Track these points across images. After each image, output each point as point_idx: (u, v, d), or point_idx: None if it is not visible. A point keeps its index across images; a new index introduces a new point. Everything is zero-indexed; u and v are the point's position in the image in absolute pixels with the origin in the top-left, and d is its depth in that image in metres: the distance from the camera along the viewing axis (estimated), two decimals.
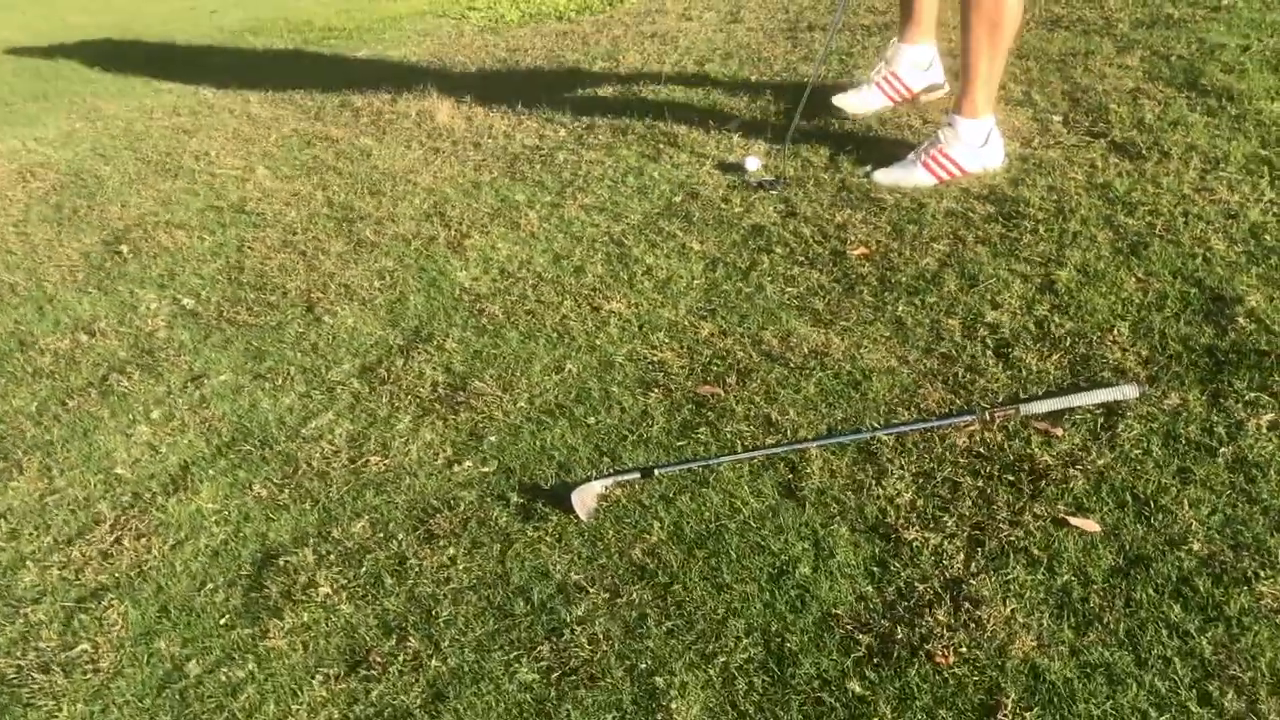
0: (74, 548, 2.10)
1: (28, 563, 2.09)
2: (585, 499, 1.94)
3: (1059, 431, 1.86)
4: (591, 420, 2.15)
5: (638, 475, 1.97)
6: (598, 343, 2.39)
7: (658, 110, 3.44)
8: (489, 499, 2.01)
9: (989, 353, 2.09)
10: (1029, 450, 1.84)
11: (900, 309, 2.27)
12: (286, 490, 2.13)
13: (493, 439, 2.16)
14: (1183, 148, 2.57)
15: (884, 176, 2.86)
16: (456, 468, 2.11)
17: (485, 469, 2.09)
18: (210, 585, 1.93)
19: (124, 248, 3.31)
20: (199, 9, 7.20)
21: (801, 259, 2.52)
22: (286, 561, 1.94)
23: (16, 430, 2.52)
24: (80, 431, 2.47)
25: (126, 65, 5.54)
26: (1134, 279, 2.19)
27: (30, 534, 2.17)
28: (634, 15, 4.57)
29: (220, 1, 7.44)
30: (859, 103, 3.10)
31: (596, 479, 1.98)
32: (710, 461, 1.97)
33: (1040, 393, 1.97)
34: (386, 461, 2.16)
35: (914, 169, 2.81)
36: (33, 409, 2.60)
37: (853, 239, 2.54)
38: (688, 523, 1.85)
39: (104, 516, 2.18)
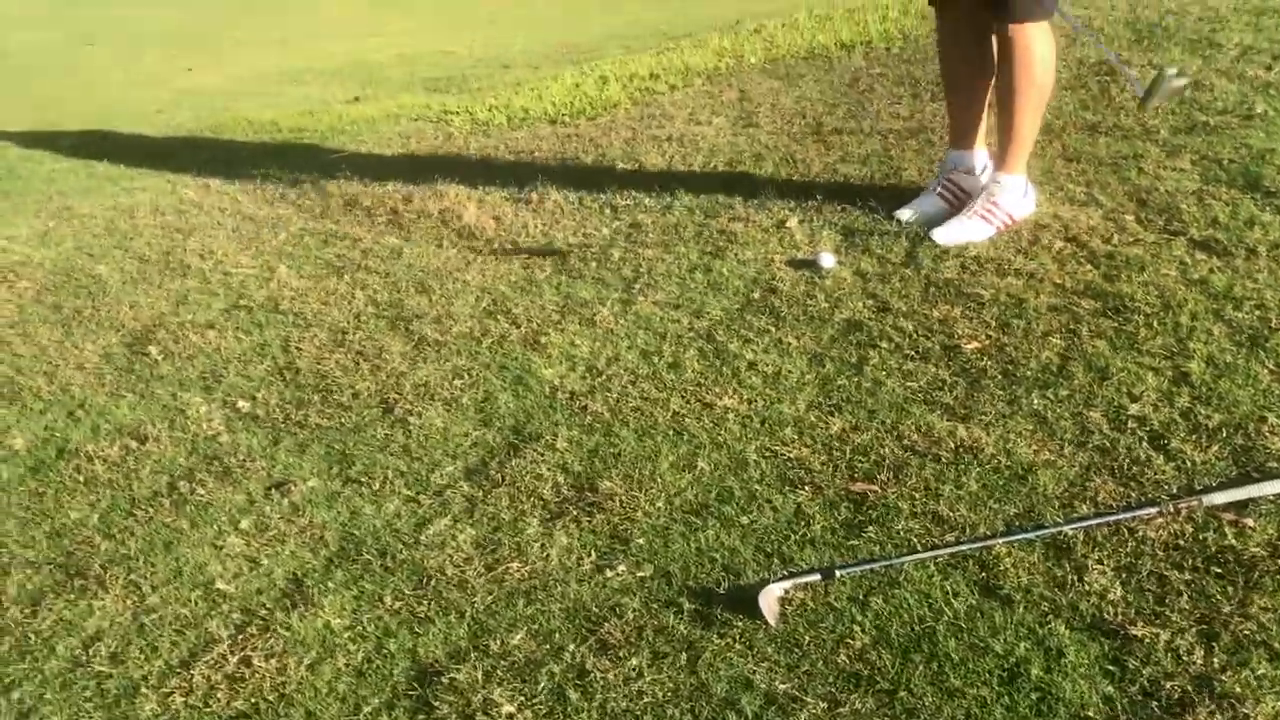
0: (194, 671, 1.91)
1: (143, 689, 1.89)
2: (769, 602, 1.85)
3: (1250, 522, 1.86)
4: (745, 520, 2.07)
5: (818, 576, 1.89)
6: (721, 439, 2.32)
7: (705, 209, 3.44)
8: (656, 605, 1.90)
9: (1144, 444, 2.09)
10: (1227, 541, 1.83)
11: (1035, 403, 2.27)
12: (424, 602, 1.99)
13: (640, 541, 2.06)
14: (1268, 245, 2.67)
15: (944, 236, 2.96)
16: (609, 573, 2.00)
17: (641, 573, 1.99)
18: (367, 708, 1.78)
19: (152, 349, 3.13)
20: (133, 107, 7.00)
21: (912, 354, 2.51)
22: (452, 679, 1.80)
23: (85, 544, 2.32)
24: (161, 544, 2.28)
25: (88, 162, 5.33)
26: (1266, 371, 2.24)
27: (137, 657, 1.97)
28: (635, 120, 4.59)
29: (163, 101, 7.27)
30: (920, 212, 3.15)
31: (774, 582, 1.89)
32: (893, 561, 1.91)
33: (1214, 484, 1.97)
34: (527, 568, 2.04)
35: (971, 223, 2.96)
36: (95, 520, 2.40)
37: (960, 333, 2.55)
38: (891, 625, 1.78)
39: (218, 636, 1.99)
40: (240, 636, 1.98)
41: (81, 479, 2.55)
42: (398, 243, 3.64)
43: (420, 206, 3.91)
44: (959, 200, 3.12)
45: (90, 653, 2.00)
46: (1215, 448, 2.05)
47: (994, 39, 2.98)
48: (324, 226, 3.90)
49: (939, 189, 3.17)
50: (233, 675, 1.89)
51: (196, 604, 2.09)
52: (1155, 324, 2.44)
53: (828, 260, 2.91)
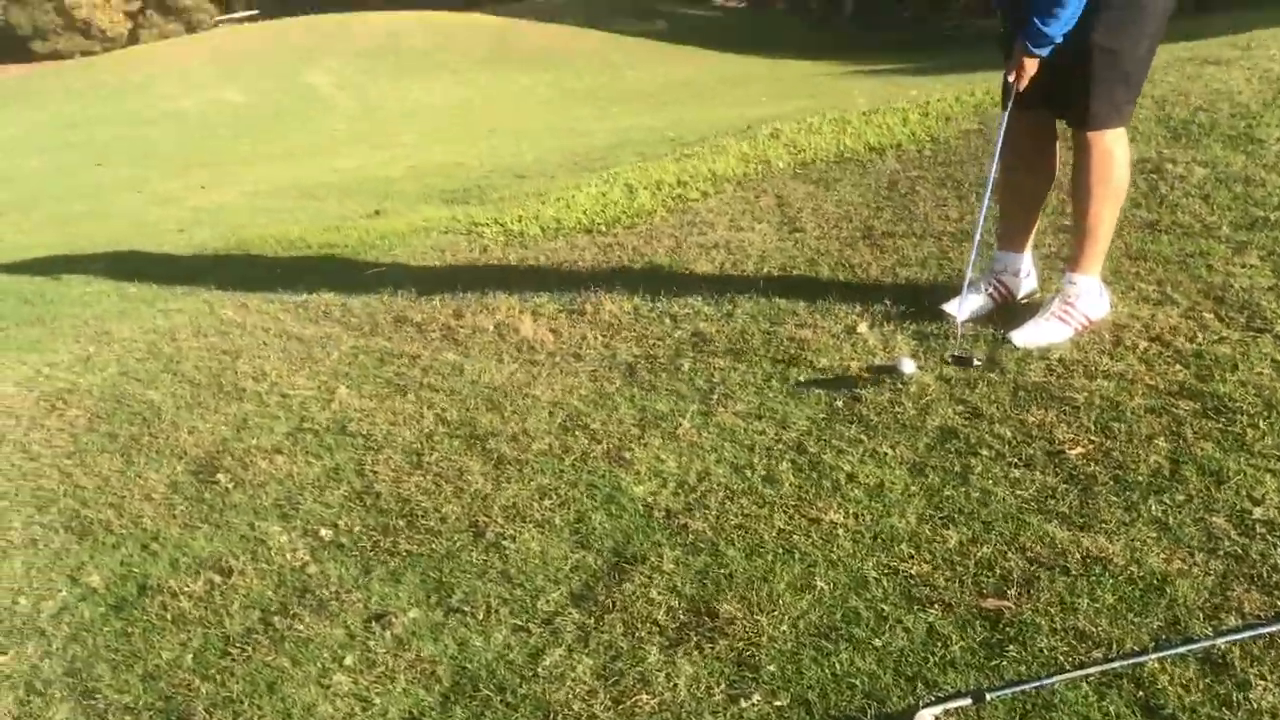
0: None
1: None
2: None
3: None
4: (877, 642, 2.02)
5: (968, 701, 1.84)
6: (835, 557, 2.28)
7: (769, 315, 3.43)
8: None
9: (1278, 550, 2.06)
10: None
11: (1154, 509, 2.24)
12: None
13: (771, 668, 2.00)
14: None
15: (1023, 338, 2.96)
16: (744, 703, 1.94)
17: (778, 702, 1.93)
18: None
19: (220, 476, 3.07)
20: (152, 227, 7.03)
21: (1015, 461, 2.48)
22: None
23: (183, 687, 2.24)
24: (264, 684, 2.20)
25: (118, 284, 5.32)
26: None
27: None
28: (674, 227, 4.62)
29: (182, 219, 7.30)
30: (968, 308, 3.16)
31: (923, 707, 1.84)
32: (1044, 682, 1.85)
33: None
34: (655, 700, 1.98)
35: (1049, 325, 2.96)
36: (190, 661, 2.32)
37: (1061, 438, 2.52)
38: None
39: None
40: None
41: (169, 617, 2.48)
42: (457, 358, 3.62)
43: (473, 321, 3.89)
44: (1005, 301, 3.14)
45: None
46: None
47: (1057, 144, 3.03)
48: (377, 344, 3.88)
49: (988, 288, 3.19)
50: None
51: None
52: (1261, 424, 2.43)
53: (908, 366, 2.90)
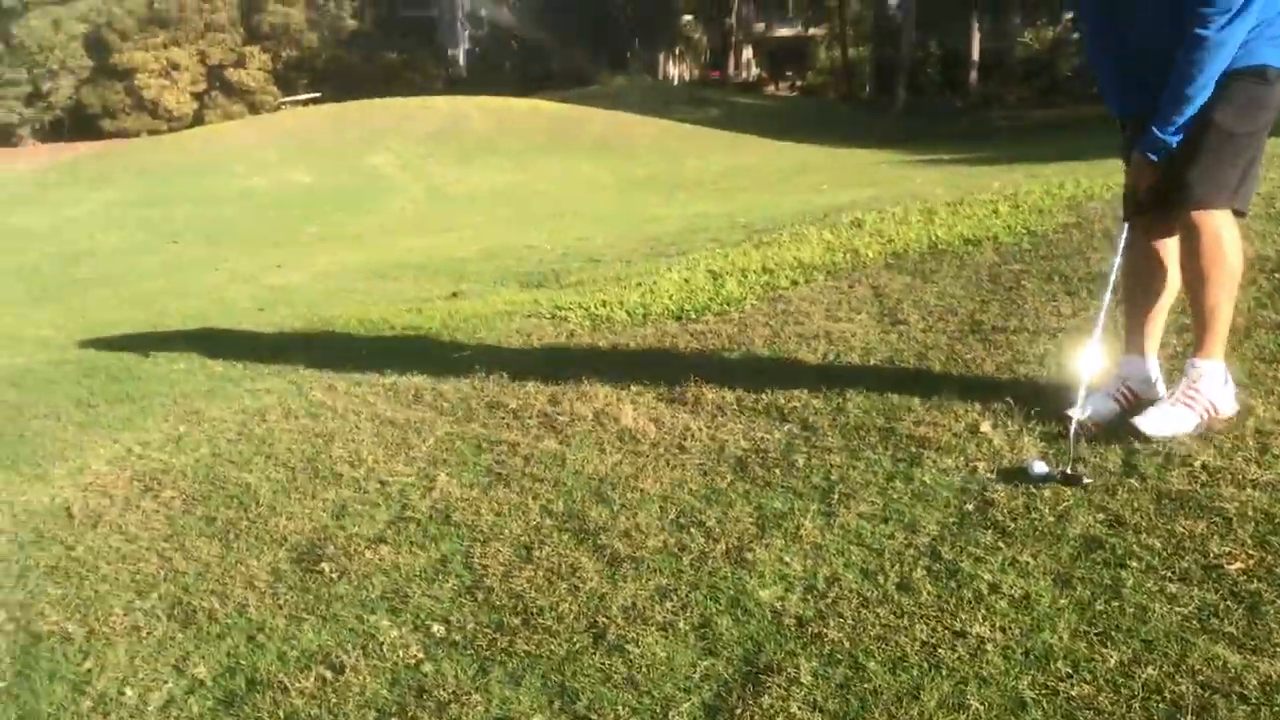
0: None
1: None
2: None
3: None
4: None
5: None
6: (987, 674, 2.15)
7: (883, 410, 3.34)
8: None
9: None
10: None
11: None
12: None
13: None
14: None
15: (1150, 427, 2.87)
16: None
17: None
18: None
19: (324, 566, 3.00)
20: (232, 304, 7.09)
21: (1169, 575, 2.36)
22: None
23: None
24: None
25: (204, 362, 5.33)
26: None
27: None
28: (767, 315, 4.57)
29: (259, 298, 7.37)
30: (1094, 412, 3.05)
31: None
32: None
33: None
34: None
35: (1175, 410, 2.89)
36: None
37: (1217, 552, 2.39)
38: None
39: None
40: None
41: (282, 714, 2.39)
42: (557, 447, 3.55)
43: (570, 408, 3.84)
44: (1131, 406, 3.05)
45: None
46: None
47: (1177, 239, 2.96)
48: (473, 430, 3.82)
49: (1114, 394, 3.10)
50: None
51: None
52: None
53: (1040, 468, 2.79)
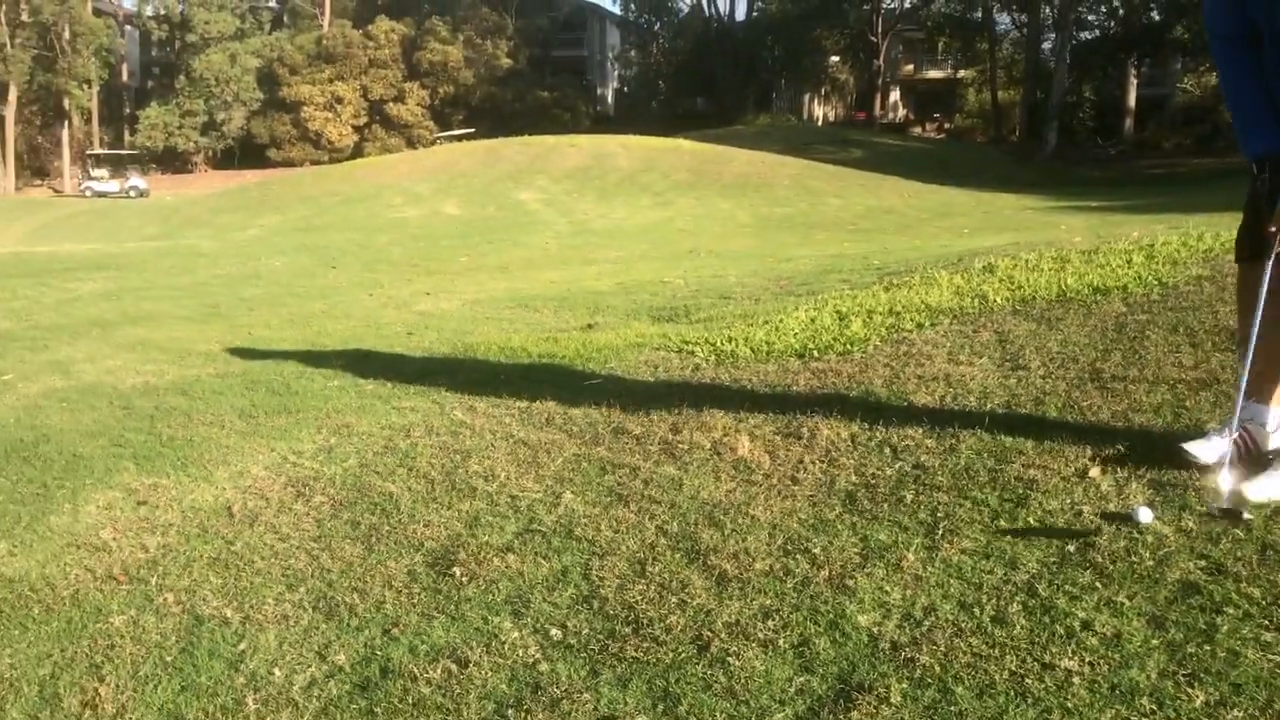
0: None
1: None
2: None
3: None
4: None
5: None
6: (1071, 705, 2.24)
7: (994, 453, 3.43)
8: None
9: None
10: None
11: None
12: None
13: None
14: None
15: (1258, 492, 2.86)
16: None
17: None
18: None
19: (456, 570, 3.24)
20: (385, 328, 7.51)
21: (1266, 624, 2.39)
22: None
23: None
24: None
25: (355, 381, 5.69)
26: None
27: None
28: (889, 357, 4.67)
29: (409, 323, 7.78)
30: (1210, 453, 3.07)
31: None
32: None
33: None
34: None
35: None
36: None
37: None
38: None
39: None
40: None
41: (410, 701, 2.62)
42: (675, 473, 3.73)
43: (690, 437, 4.02)
44: (1250, 452, 3.04)
45: None
46: None
47: None
48: (598, 453, 4.04)
49: (1234, 437, 3.10)
50: None
51: None
52: None
53: (1145, 515, 2.84)
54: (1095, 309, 4.74)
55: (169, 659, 2.98)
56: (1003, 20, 56.32)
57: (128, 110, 69.20)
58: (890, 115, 65.13)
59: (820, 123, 67.89)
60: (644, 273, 10.21)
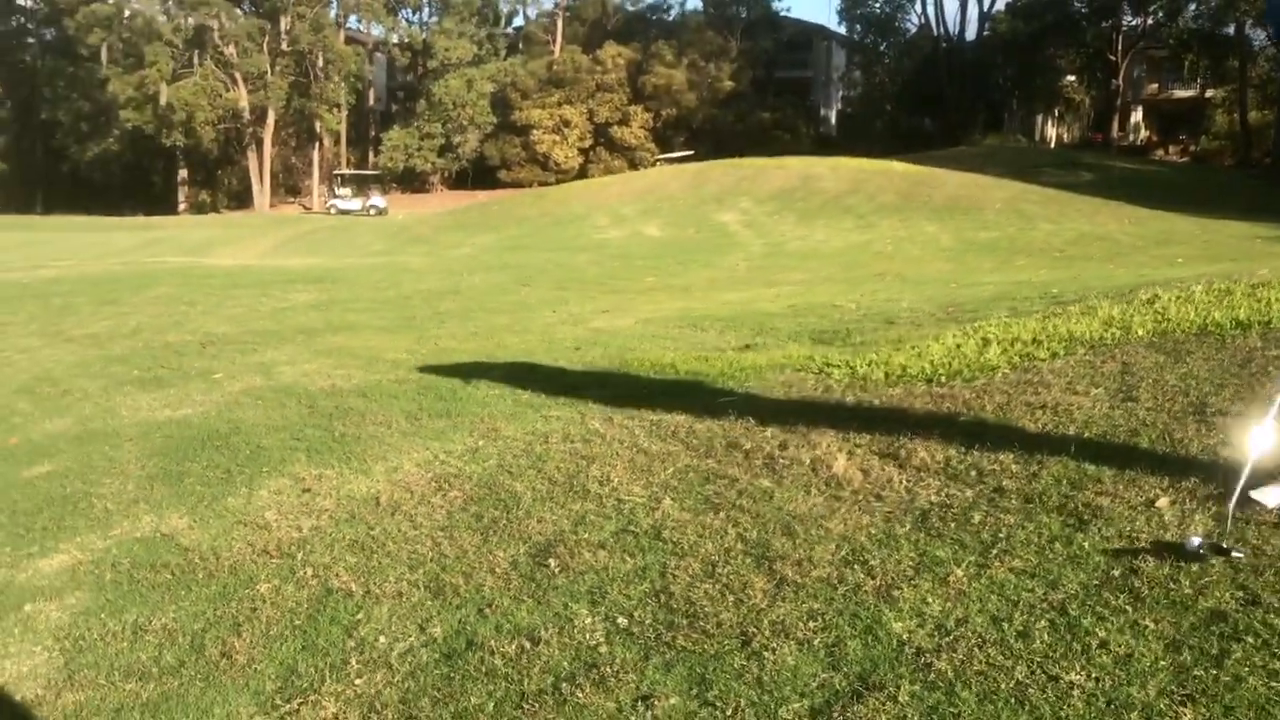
0: None
1: None
2: None
3: None
4: None
5: None
6: (1065, 714, 2.36)
7: (1073, 480, 3.49)
8: None
9: None
10: None
11: None
12: None
13: None
14: None
15: None
16: None
17: None
18: None
19: (551, 561, 3.58)
20: (558, 343, 7.98)
21: (1279, 653, 2.43)
22: None
23: None
24: None
25: (514, 390, 6.14)
26: None
27: None
28: (1012, 384, 4.73)
29: (580, 338, 8.24)
30: (1276, 498, 3.06)
31: None
32: None
33: None
34: None
35: None
36: (490, 708, 2.79)
37: None
38: None
39: None
40: None
41: (484, 670, 2.98)
42: (770, 485, 3.95)
43: (794, 453, 4.22)
44: None
45: None
46: None
47: None
48: (707, 465, 4.30)
49: None
50: None
51: None
52: None
53: (1195, 544, 2.88)
54: (1230, 343, 4.64)
55: (297, 623, 3.45)
56: (1257, 36, 52.65)
57: (373, 132, 74.03)
58: (1131, 137, 61.97)
59: (1053, 144, 65.34)
60: (821, 295, 10.35)
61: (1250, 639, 2.50)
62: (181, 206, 65.05)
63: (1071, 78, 63.43)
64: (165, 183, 68.00)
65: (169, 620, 3.59)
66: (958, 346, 5.85)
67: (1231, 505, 2.97)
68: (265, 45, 63.42)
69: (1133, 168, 37.35)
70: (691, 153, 53.95)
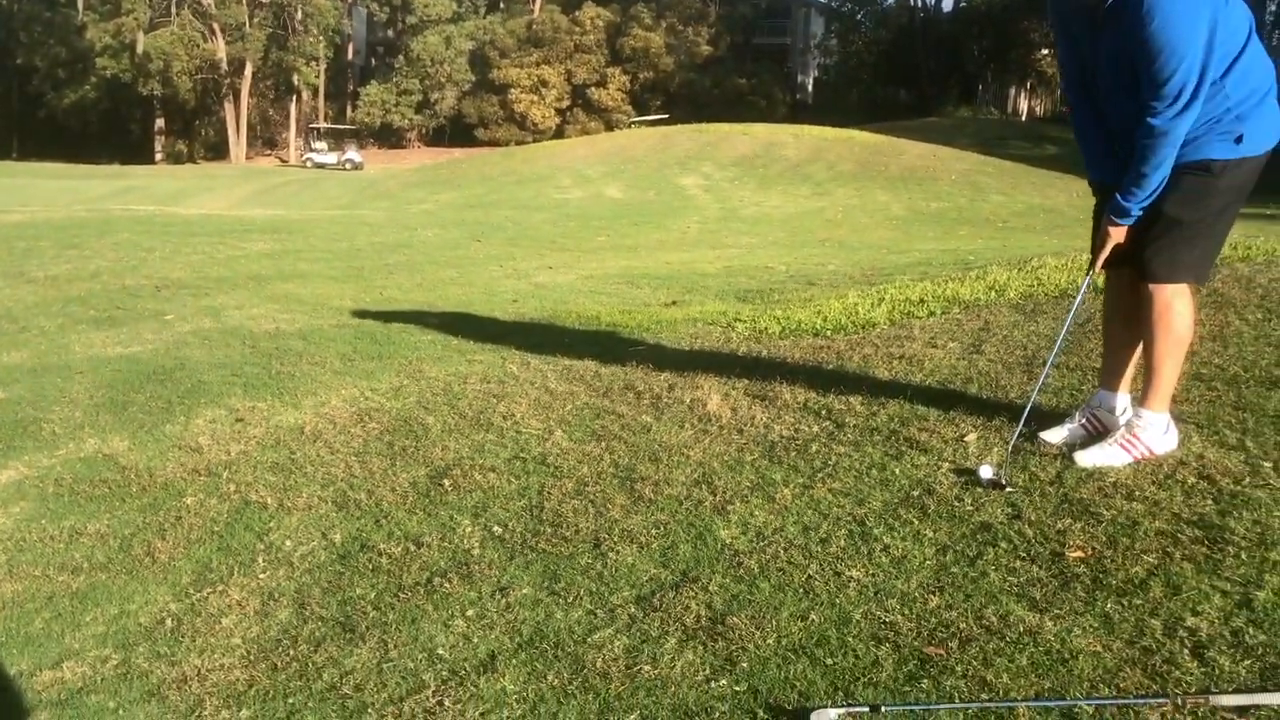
0: (405, 704, 2.66)
1: (369, 710, 2.66)
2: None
3: None
4: (829, 661, 2.57)
5: (867, 710, 2.36)
6: (838, 601, 2.83)
7: (903, 419, 3.96)
8: (739, 712, 2.44)
9: (1186, 651, 2.40)
10: None
11: (1109, 606, 2.61)
12: (574, 683, 2.64)
13: (745, 665, 2.60)
14: None
15: (1084, 459, 3.36)
16: (713, 684, 2.55)
17: (738, 688, 2.53)
18: None
19: (446, 482, 4.03)
20: (498, 296, 8.41)
21: (1023, 555, 2.91)
22: None
23: (360, 612, 3.16)
24: (409, 619, 3.07)
25: (446, 337, 6.56)
26: None
27: (371, 689, 2.75)
28: (883, 339, 5.20)
29: (520, 292, 8.66)
30: (1060, 437, 3.56)
31: (831, 708, 2.38)
32: (932, 706, 2.34)
33: (1230, 689, 2.26)
34: (656, 671, 2.64)
35: (1111, 449, 3.35)
36: (372, 597, 3.24)
37: (1071, 543, 2.92)
38: None
39: (428, 684, 2.74)
40: (443, 687, 2.71)
41: (371, 567, 3.43)
42: (650, 420, 4.41)
43: (678, 395, 4.68)
44: (1098, 433, 3.48)
45: (342, 681, 2.81)
46: (1248, 662, 2.34)
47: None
48: (601, 403, 4.75)
49: (1083, 420, 3.56)
50: (430, 710, 2.62)
51: (420, 661, 2.85)
52: (1244, 555, 2.72)
53: (986, 472, 3.36)
54: (1088, 306, 5.12)
55: (216, 529, 3.90)
56: None
57: (351, 87, 73.77)
58: None
59: (1024, 117, 65.94)
60: (760, 258, 10.80)
61: (1004, 544, 2.98)
62: (158, 156, 64.78)
63: (1045, 51, 63.85)
64: (142, 132, 67.63)
65: (102, 526, 4.03)
66: (854, 306, 6.31)
67: (1012, 441, 3.46)
68: None
69: None
70: (666, 116, 54.12)
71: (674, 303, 7.83)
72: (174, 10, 62.81)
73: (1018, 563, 2.88)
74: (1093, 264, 3.44)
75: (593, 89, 65.14)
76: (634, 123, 57.17)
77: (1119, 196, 3.23)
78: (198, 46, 61.91)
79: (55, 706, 2.96)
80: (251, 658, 3.04)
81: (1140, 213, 3.22)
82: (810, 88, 75.66)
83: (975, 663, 2.48)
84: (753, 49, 69.50)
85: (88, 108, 64.56)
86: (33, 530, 4.06)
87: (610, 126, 61.65)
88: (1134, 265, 3.32)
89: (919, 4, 66.99)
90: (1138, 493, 3.13)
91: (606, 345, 6.01)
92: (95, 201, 22.58)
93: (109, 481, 4.46)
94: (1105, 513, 3.04)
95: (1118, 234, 3.30)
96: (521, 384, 5.27)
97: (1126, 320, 3.48)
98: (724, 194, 20.13)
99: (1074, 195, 20.80)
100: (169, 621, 3.32)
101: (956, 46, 63.72)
